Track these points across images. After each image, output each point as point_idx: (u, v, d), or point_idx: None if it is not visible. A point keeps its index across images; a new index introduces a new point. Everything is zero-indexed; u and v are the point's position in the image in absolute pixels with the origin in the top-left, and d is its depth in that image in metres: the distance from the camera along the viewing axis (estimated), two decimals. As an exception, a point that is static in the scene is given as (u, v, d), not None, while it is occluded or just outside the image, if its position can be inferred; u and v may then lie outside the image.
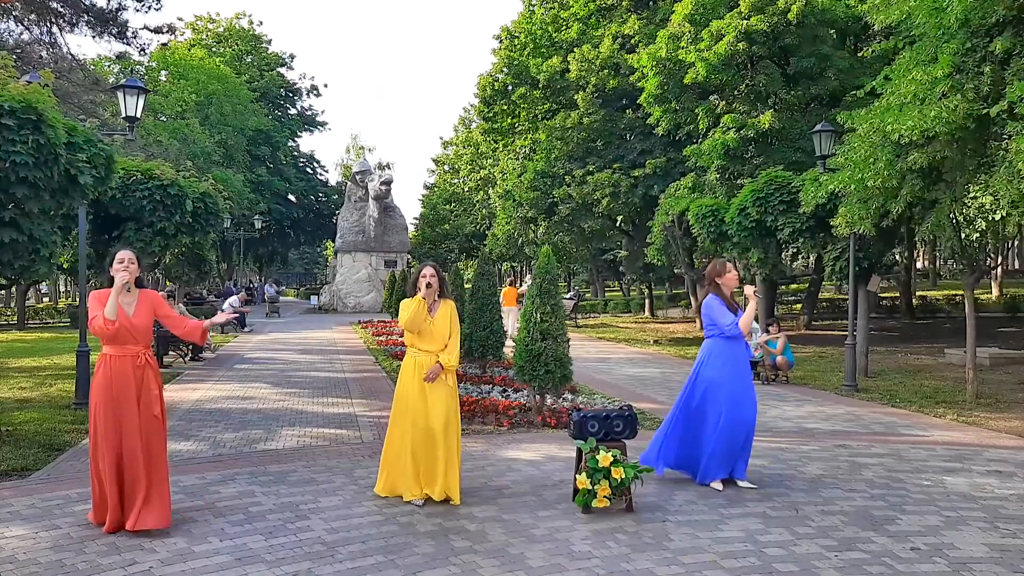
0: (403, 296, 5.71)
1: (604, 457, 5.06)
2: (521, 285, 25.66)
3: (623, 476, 5.03)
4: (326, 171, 59.75)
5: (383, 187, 36.08)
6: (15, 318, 26.72)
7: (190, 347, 14.62)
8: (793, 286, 32.26)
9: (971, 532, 4.81)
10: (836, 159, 10.51)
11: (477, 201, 52.92)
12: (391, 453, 5.48)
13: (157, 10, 57.97)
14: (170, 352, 14.03)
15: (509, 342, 9.65)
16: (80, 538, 4.64)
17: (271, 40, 54.87)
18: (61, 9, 24.20)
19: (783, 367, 11.97)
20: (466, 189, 56.93)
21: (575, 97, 26.94)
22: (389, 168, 61.15)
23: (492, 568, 4.23)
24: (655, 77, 20.75)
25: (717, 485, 5.80)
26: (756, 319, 13.36)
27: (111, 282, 4.82)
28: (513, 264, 53.13)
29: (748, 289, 6.02)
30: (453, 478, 5.35)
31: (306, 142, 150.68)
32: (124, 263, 4.83)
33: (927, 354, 15.61)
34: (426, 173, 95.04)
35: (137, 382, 4.78)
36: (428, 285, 5.39)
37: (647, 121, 23.15)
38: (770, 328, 12.40)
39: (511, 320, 17.92)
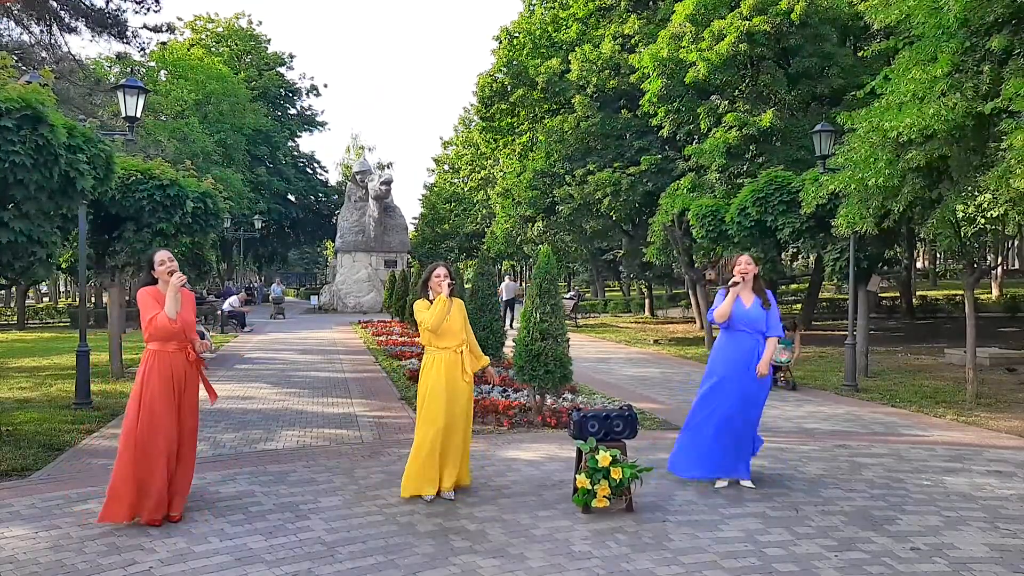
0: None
1: (604, 457, 5.06)
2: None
3: (622, 476, 5.03)
4: (326, 171, 59.77)
5: (383, 187, 36.07)
6: (15, 318, 26.74)
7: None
8: (793, 286, 32.31)
9: (971, 532, 4.81)
10: (836, 159, 10.50)
11: (477, 201, 52.93)
12: (431, 451, 5.42)
13: (156, 11, 57.96)
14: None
15: (509, 342, 9.65)
16: (80, 538, 4.64)
17: (270, 40, 54.92)
18: (61, 10, 24.20)
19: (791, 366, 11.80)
20: (466, 189, 56.96)
21: (573, 100, 26.95)
22: (389, 168, 61.16)
23: (492, 568, 4.23)
24: (658, 79, 20.74)
25: (722, 483, 5.79)
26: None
27: (153, 281, 5.04)
28: (513, 263, 53.14)
29: (735, 277, 5.79)
30: (466, 466, 5.68)
31: (306, 142, 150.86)
32: (166, 263, 5.03)
33: (927, 354, 15.60)
34: (426, 173, 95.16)
35: (189, 377, 5.03)
36: (449, 284, 5.53)
37: (649, 122, 23.14)
38: (787, 332, 12.08)
39: None
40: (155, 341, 4.96)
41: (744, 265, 5.84)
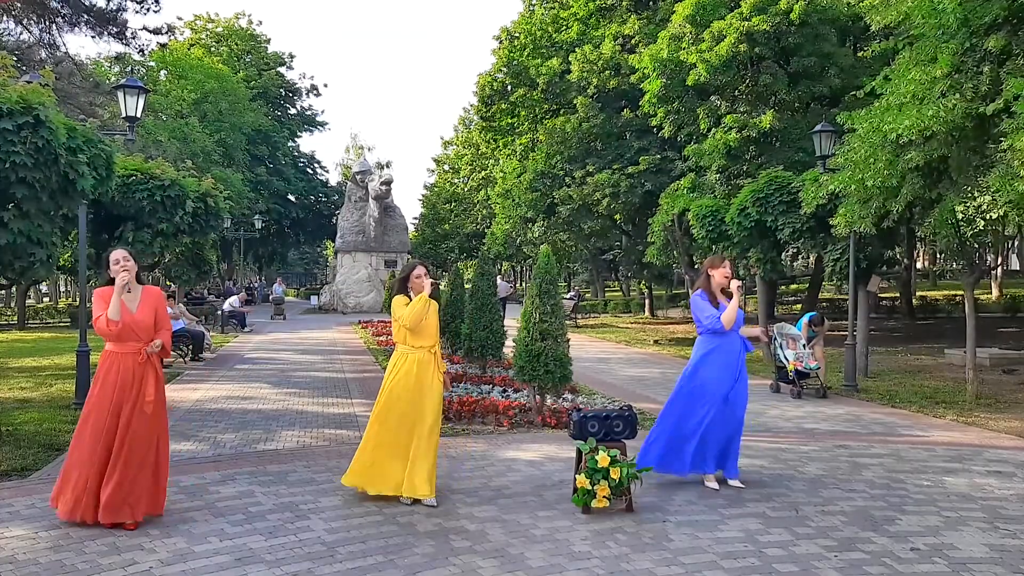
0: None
1: (603, 457, 5.06)
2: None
3: (621, 476, 5.03)
4: (326, 171, 59.72)
5: (383, 187, 36.07)
6: (15, 318, 26.71)
7: (190, 347, 14.64)
8: (793, 286, 32.26)
9: (971, 532, 4.82)
10: (836, 159, 10.50)
11: (477, 201, 52.92)
12: (376, 447, 5.41)
13: (156, 11, 57.92)
14: (171, 352, 14.01)
15: (509, 342, 9.65)
16: (80, 538, 4.64)
17: (270, 40, 54.75)
18: (61, 9, 24.15)
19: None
20: (466, 189, 56.95)
21: (575, 100, 26.92)
22: (388, 168, 61.10)
23: (492, 568, 4.23)
24: (657, 80, 20.73)
25: (712, 484, 5.80)
26: (755, 318, 13.10)
27: (111, 281, 4.89)
28: (512, 264, 53.13)
29: (733, 283, 5.91)
30: (433, 475, 5.37)
31: (306, 142, 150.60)
32: (120, 263, 4.89)
33: (927, 354, 15.60)
34: (426, 173, 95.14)
35: (138, 379, 4.85)
36: (432, 283, 5.50)
37: (649, 122, 23.14)
38: (815, 327, 11.23)
39: None
40: (109, 341, 4.88)
41: (729, 269, 5.99)
